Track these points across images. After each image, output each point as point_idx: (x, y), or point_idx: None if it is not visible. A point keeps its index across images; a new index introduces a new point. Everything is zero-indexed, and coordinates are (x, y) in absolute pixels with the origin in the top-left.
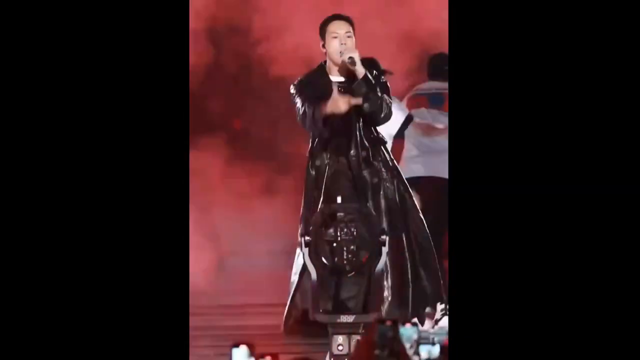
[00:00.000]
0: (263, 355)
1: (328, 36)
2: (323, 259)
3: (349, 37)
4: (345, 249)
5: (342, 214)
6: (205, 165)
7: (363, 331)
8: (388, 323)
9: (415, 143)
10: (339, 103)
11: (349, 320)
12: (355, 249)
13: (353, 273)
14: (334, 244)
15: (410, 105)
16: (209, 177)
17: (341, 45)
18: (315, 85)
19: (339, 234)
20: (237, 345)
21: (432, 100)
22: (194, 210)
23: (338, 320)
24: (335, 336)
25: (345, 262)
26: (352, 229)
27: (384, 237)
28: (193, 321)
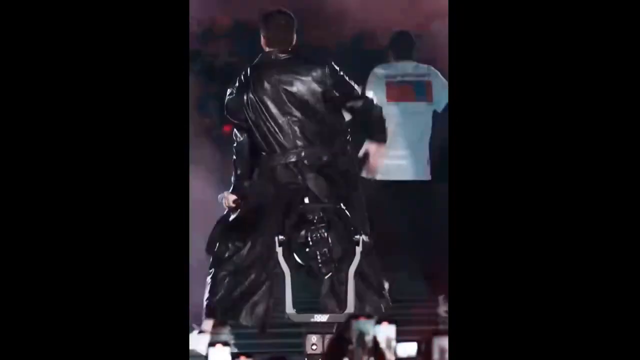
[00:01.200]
0: (238, 355)
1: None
2: (297, 259)
3: None
4: (318, 252)
5: (313, 215)
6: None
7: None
8: (362, 319)
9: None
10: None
11: (322, 320)
12: (327, 252)
13: (329, 275)
14: (307, 249)
15: (392, 97)
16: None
17: None
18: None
19: (311, 236)
20: (213, 345)
21: (417, 91)
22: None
23: (312, 320)
24: (309, 335)
25: (320, 265)
26: (324, 232)
27: (357, 236)
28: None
